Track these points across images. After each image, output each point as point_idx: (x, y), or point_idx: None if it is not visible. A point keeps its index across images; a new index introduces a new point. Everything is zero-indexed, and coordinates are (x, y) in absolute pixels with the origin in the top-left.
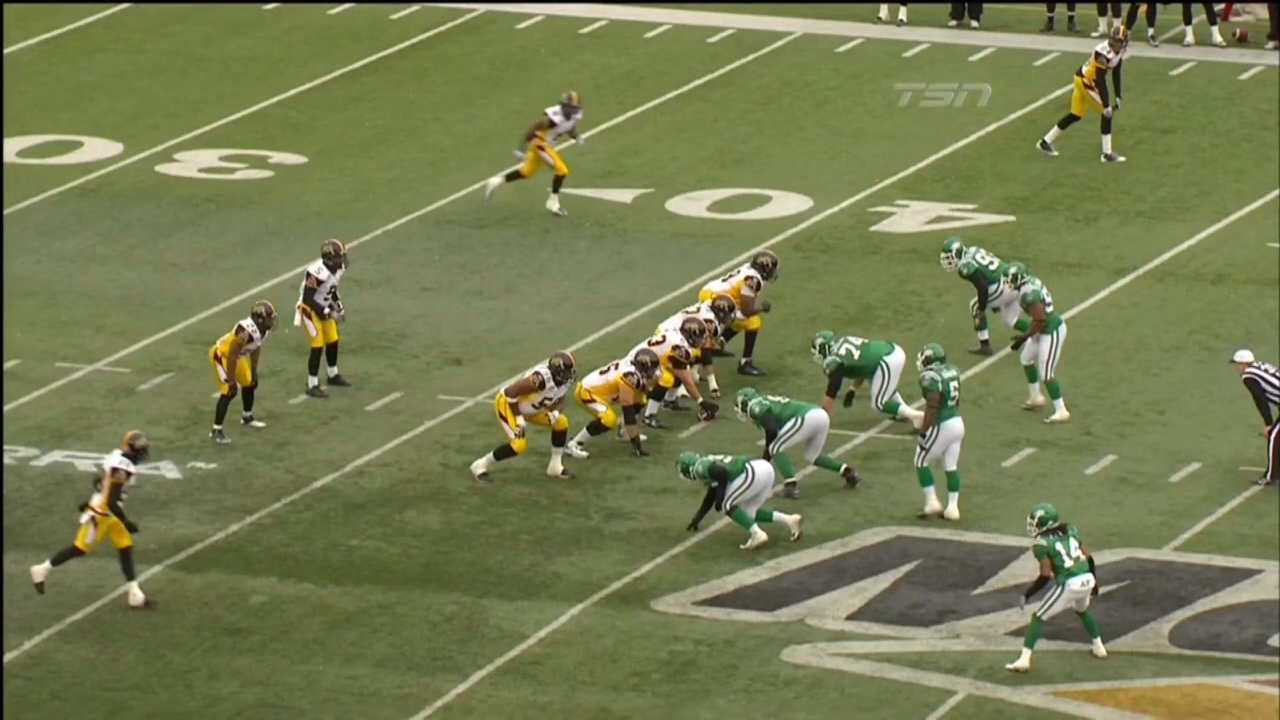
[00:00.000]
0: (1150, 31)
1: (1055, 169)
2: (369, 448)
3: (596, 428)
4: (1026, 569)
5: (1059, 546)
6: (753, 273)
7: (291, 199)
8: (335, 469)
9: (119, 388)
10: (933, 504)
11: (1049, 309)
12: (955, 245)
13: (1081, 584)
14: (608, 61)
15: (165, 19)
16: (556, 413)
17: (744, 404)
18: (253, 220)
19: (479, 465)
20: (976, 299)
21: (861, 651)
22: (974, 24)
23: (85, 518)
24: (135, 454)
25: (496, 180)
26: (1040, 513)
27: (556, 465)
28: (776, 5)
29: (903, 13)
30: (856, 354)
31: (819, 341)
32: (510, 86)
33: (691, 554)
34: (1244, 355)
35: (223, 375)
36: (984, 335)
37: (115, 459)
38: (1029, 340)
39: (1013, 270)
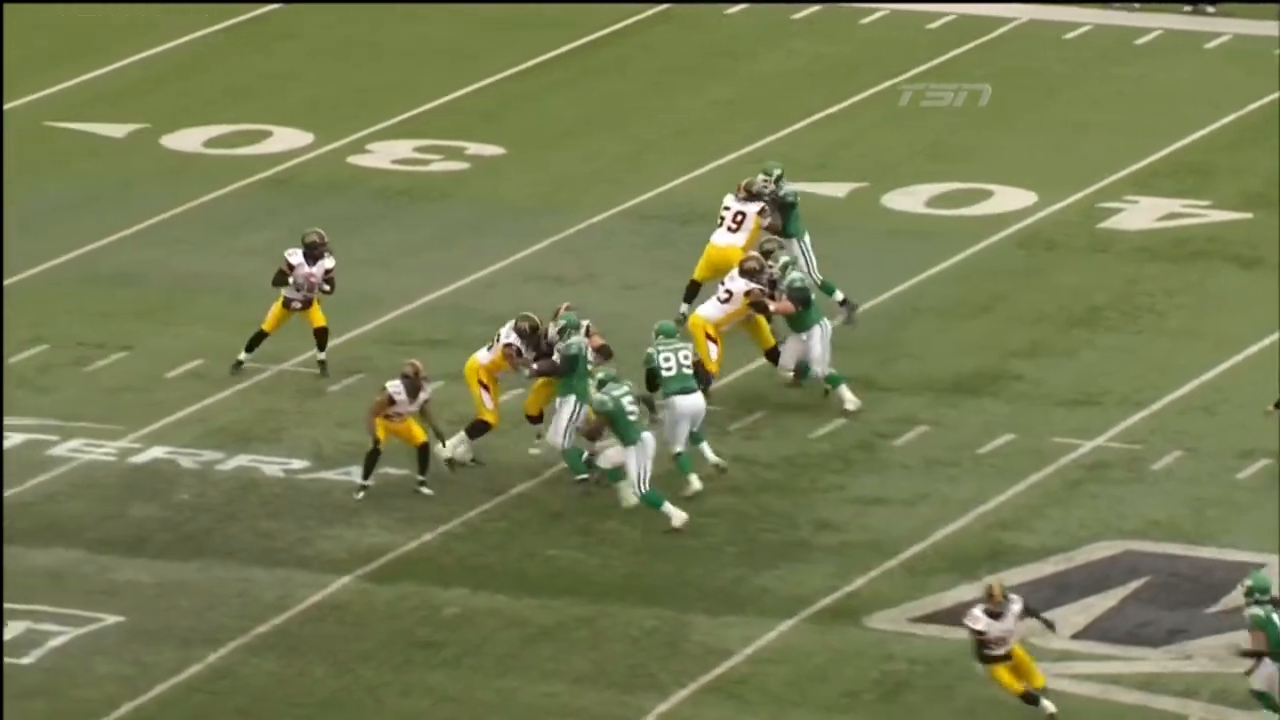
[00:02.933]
0: None
1: None
2: None
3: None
4: None
5: (1276, 619)
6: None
7: (488, 192)
8: (532, 475)
9: (308, 389)
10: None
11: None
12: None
13: None
14: (820, 49)
15: (360, 5)
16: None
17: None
18: (448, 214)
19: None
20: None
21: (1087, 672)
22: (1210, 9)
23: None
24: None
25: None
26: (1249, 583)
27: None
28: None
29: None
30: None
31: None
32: (716, 76)
33: (907, 568)
34: None
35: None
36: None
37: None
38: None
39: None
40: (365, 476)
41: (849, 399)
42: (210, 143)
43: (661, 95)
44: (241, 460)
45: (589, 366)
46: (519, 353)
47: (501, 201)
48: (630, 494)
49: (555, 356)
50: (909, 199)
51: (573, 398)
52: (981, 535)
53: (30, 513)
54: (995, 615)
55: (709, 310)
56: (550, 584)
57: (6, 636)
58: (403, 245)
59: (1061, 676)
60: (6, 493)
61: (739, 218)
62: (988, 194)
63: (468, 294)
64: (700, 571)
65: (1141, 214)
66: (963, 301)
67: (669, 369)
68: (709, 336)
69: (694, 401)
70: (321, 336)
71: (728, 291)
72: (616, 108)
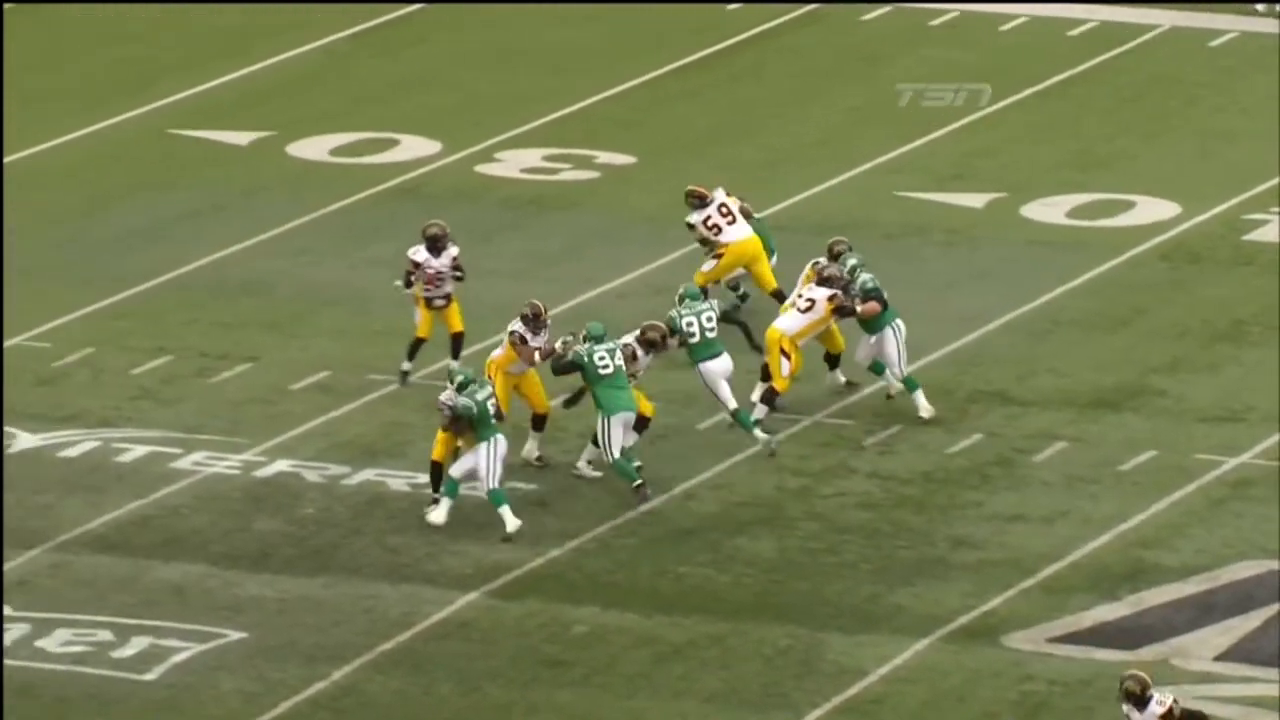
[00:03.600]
0: None
1: None
2: (699, 468)
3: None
4: None
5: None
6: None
7: (618, 201)
8: (663, 491)
9: (434, 402)
10: None
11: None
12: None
13: None
14: (958, 55)
15: (489, 10)
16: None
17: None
18: (578, 224)
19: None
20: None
21: (1231, 695)
22: None
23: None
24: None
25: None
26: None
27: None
28: None
29: None
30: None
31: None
32: (853, 82)
33: (1045, 587)
34: None
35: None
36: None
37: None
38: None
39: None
40: (435, 490)
41: (923, 406)
42: (336, 151)
43: (797, 102)
44: (367, 474)
45: (619, 367)
46: (523, 339)
47: (632, 211)
48: (441, 515)
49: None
50: (1049, 210)
51: (601, 412)
52: (1122, 553)
53: (153, 527)
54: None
55: (788, 323)
56: (681, 602)
57: (129, 652)
58: (531, 255)
59: (1203, 699)
60: (131, 506)
61: (810, 304)
62: (1130, 205)
63: (598, 305)
64: (835, 589)
65: None
66: (1103, 315)
67: (692, 333)
68: (783, 351)
69: (722, 364)
70: (457, 342)
71: (809, 300)
72: (751, 115)
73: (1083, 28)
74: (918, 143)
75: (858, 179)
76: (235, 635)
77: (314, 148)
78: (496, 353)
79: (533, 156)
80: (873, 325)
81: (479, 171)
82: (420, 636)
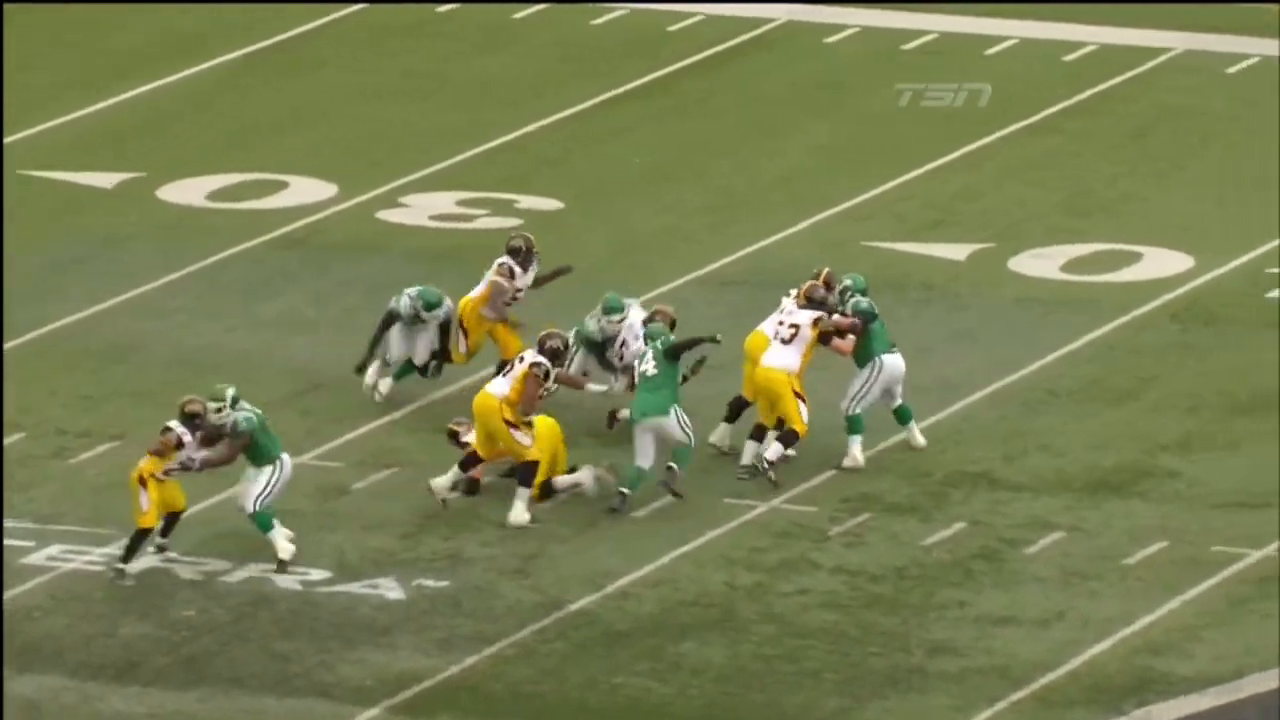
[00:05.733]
0: None
1: None
2: (638, 562)
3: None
4: None
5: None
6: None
7: (545, 252)
8: (596, 588)
9: (329, 486)
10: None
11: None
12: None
13: None
14: (938, 84)
15: (393, 31)
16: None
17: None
18: None
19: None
20: None
21: None
22: None
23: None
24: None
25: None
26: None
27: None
28: (1151, 14)
29: None
30: None
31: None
32: (816, 114)
33: (1039, 699)
34: None
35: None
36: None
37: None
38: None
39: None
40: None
41: (853, 456)
42: (215, 195)
43: (751, 138)
44: (251, 570)
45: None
46: (511, 272)
47: (556, 263)
48: (285, 543)
49: None
50: (1042, 262)
51: None
52: (1128, 661)
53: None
54: None
55: (785, 360)
56: (618, 716)
57: None
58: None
59: None
60: None
61: (793, 331)
62: (1136, 256)
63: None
64: (795, 702)
65: None
66: (1105, 384)
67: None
68: (796, 393)
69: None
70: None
71: (792, 328)
72: (697, 153)
73: (1081, 51)
74: (891, 184)
75: (821, 226)
76: None
77: (189, 191)
78: (475, 290)
79: (444, 201)
80: (861, 355)
81: (381, 219)
82: None
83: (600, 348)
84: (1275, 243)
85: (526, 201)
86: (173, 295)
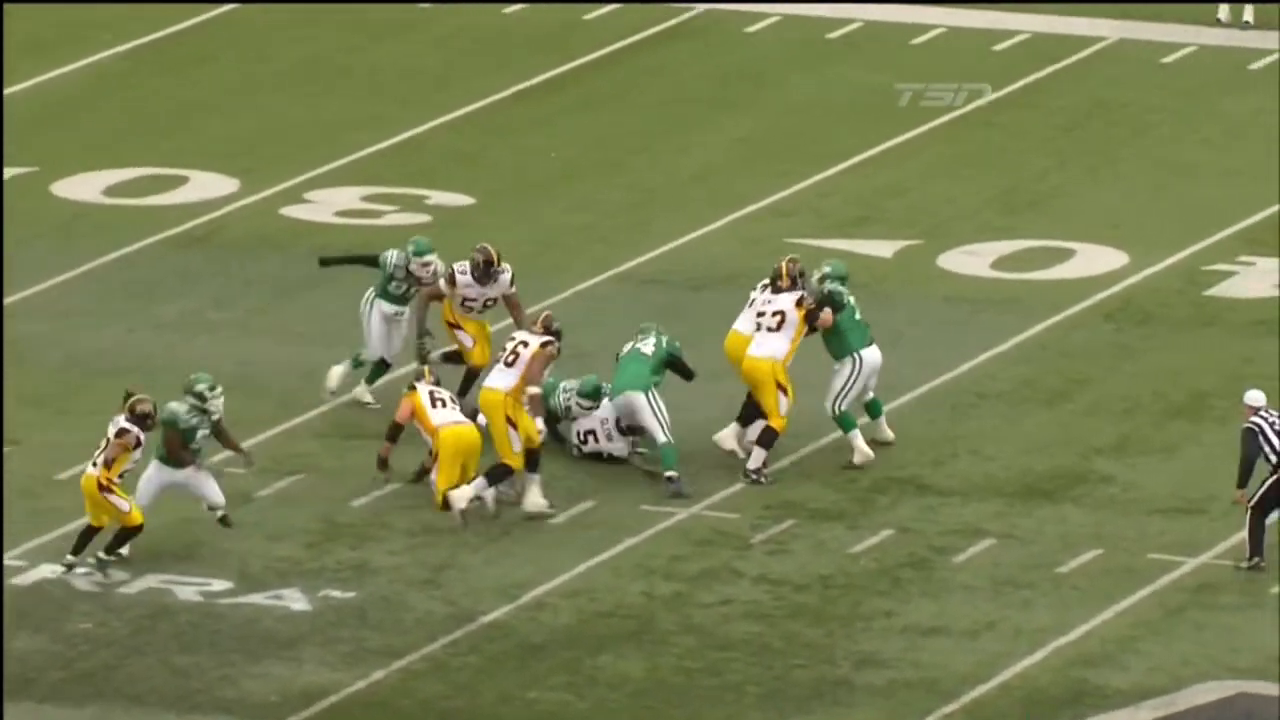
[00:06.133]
0: None
1: None
2: (553, 572)
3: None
4: None
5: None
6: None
7: (455, 250)
8: (509, 599)
9: (231, 493)
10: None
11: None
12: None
13: None
14: (863, 76)
15: (296, 20)
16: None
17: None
18: None
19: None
20: None
21: None
22: None
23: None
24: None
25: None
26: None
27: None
28: (1084, 3)
29: (1249, 13)
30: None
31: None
32: (738, 108)
33: (969, 713)
34: (1254, 397)
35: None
36: None
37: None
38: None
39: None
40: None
41: (861, 451)
42: (111, 190)
43: (669, 132)
44: (150, 581)
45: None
46: (451, 279)
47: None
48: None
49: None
50: (971, 259)
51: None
52: (1062, 673)
53: None
54: None
55: (772, 347)
56: None
57: None
58: (351, 317)
59: None
60: None
61: (779, 317)
62: (1068, 253)
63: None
64: (718, 716)
65: (1257, 279)
66: (1038, 386)
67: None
68: (780, 385)
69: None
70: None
71: (777, 314)
72: (613, 147)
73: (1011, 40)
74: (813, 179)
75: (742, 223)
76: None
77: (84, 186)
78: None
79: (349, 196)
80: (837, 349)
81: (285, 215)
82: None
83: (556, 419)
84: (1212, 238)
85: (436, 197)
86: (69, 295)
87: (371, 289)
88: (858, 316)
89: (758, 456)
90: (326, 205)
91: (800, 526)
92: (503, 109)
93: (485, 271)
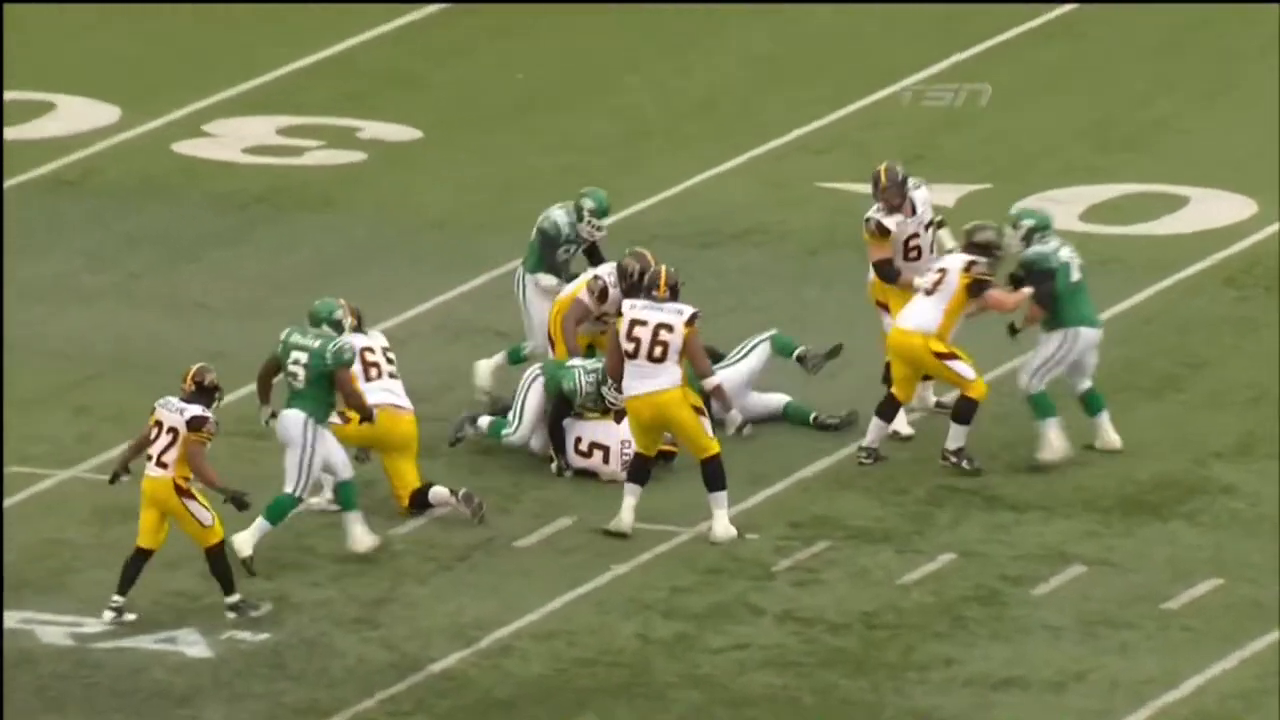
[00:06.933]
0: None
1: None
2: (521, 608)
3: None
4: None
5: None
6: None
7: (396, 198)
8: (466, 643)
9: (108, 507)
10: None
11: None
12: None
13: None
14: None
15: None
16: None
17: None
18: (334, 233)
19: None
20: None
21: None
22: None
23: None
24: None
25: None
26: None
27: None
28: None
29: None
30: None
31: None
32: (755, 14)
33: None
34: None
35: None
36: None
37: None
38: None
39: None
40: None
41: (1051, 445)
42: None
43: (667, 50)
44: (10, 620)
45: None
46: (604, 294)
47: (416, 213)
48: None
49: None
50: (1056, 208)
51: None
52: None
53: None
54: None
55: (921, 318)
56: None
57: None
58: (264, 281)
59: None
60: None
61: (938, 277)
62: (1180, 201)
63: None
64: None
65: None
66: (1141, 371)
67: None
68: (940, 355)
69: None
70: None
71: (938, 272)
72: (598, 66)
73: None
74: (851, 107)
75: (762, 162)
76: None
77: None
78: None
79: (262, 128)
80: (1046, 320)
81: (178, 151)
82: None
83: (568, 406)
84: None
85: (371, 129)
86: None
87: (520, 264)
88: (1074, 277)
89: (956, 435)
90: (232, 139)
91: (836, 550)
92: (454, 19)
93: (636, 285)
